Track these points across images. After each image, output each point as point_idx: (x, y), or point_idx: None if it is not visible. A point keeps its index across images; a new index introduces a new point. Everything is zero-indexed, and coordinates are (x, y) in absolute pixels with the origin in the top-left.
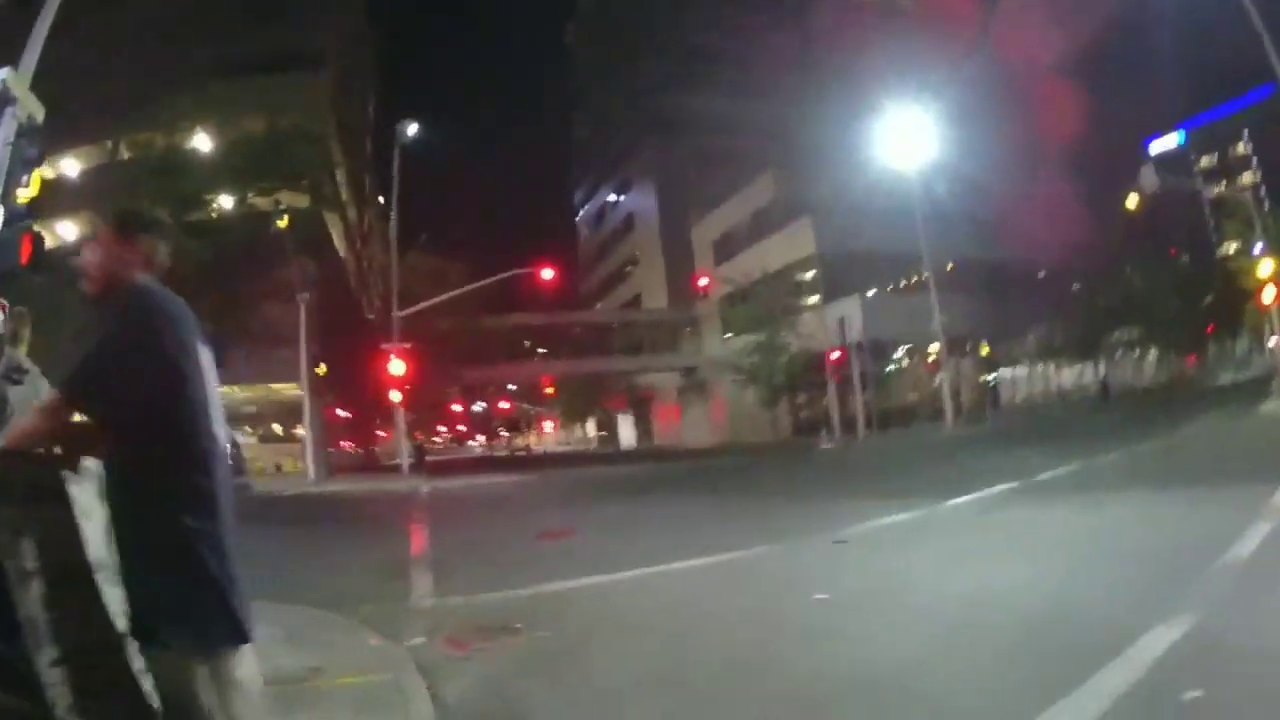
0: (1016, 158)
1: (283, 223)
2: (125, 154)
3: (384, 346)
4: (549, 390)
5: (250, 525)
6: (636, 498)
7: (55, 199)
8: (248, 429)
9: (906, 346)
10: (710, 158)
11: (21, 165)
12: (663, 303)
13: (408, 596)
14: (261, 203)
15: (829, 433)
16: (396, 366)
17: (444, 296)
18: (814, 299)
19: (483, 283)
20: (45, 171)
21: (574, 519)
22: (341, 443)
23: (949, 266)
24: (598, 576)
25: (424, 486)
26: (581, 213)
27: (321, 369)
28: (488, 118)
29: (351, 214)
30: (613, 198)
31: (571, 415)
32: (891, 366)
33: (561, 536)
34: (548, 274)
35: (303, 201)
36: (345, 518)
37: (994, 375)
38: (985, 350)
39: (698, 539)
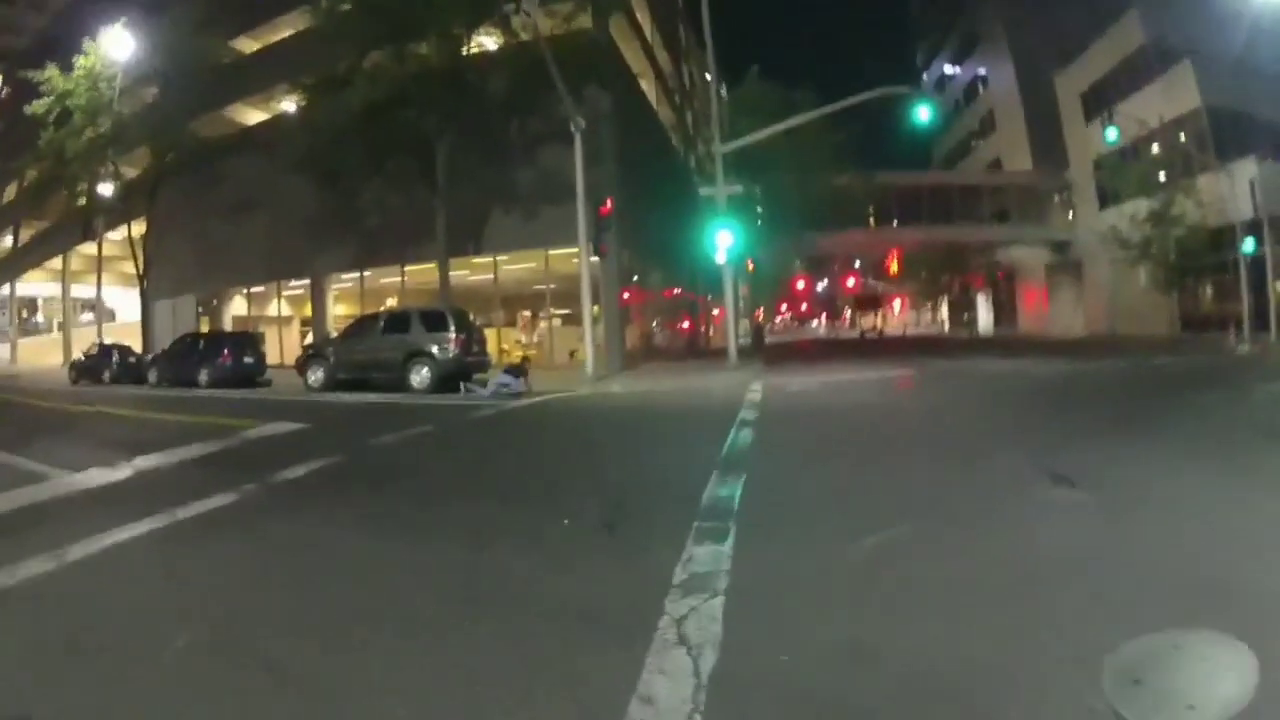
0: None
1: None
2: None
3: (704, 191)
4: (893, 269)
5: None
6: (1144, 443)
7: (258, 71)
8: (552, 310)
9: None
10: None
11: None
12: (1026, 168)
13: None
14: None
15: (1238, 330)
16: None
17: (769, 130)
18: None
19: (838, 106)
20: (247, 44)
21: (1094, 517)
22: (680, 325)
23: None
24: None
25: (754, 386)
26: (925, 74)
27: (607, 205)
28: None
29: (664, 58)
30: (950, 69)
31: (925, 294)
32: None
33: None
34: (924, 110)
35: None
36: (572, 469)
37: None
38: None
39: None
